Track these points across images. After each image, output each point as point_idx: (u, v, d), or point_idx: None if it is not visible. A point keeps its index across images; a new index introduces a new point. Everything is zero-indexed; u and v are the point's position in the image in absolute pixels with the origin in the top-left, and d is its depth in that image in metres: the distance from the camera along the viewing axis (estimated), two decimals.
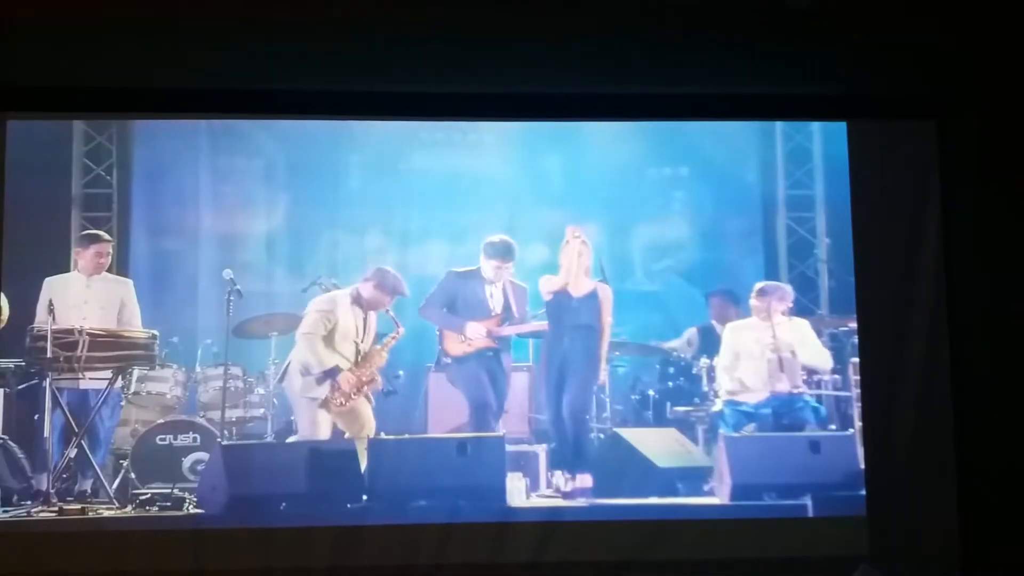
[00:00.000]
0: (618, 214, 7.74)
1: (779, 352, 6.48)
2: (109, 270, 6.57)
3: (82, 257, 6.41)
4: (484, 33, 5.17)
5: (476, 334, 6.37)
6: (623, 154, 7.40)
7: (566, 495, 6.03)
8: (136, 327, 6.31)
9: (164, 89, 5.22)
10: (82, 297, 6.27)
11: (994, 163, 5.24)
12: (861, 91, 5.37)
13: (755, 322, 6.62)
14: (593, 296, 6.36)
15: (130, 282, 6.53)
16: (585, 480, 6.09)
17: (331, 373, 6.18)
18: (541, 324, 6.47)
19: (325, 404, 6.17)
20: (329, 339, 6.22)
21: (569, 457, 6.23)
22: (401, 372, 6.58)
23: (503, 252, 6.42)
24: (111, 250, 6.51)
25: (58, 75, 5.12)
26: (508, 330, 6.42)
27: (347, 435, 6.20)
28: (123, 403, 6.45)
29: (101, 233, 6.65)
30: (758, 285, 6.74)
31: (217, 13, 5.08)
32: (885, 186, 5.40)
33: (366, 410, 6.27)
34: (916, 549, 5.08)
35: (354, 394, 6.21)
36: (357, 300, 6.32)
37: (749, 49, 5.29)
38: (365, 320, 6.34)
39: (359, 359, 6.27)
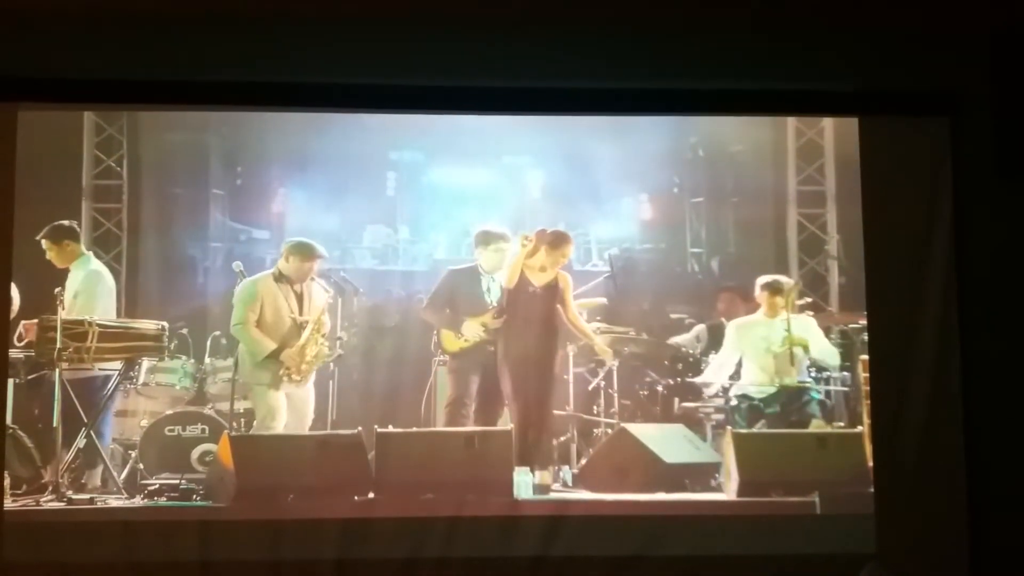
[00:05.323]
0: (630, 207, 7.73)
1: (792, 346, 6.45)
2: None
3: None
4: (497, 26, 5.16)
5: (471, 332, 6.35)
6: (633, 148, 7.38)
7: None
8: (77, 314, 6.06)
9: (174, 81, 5.21)
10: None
11: (1007, 160, 5.21)
12: (874, 87, 5.34)
13: (763, 318, 6.59)
14: (551, 287, 6.36)
15: (92, 271, 6.35)
16: (546, 477, 6.04)
17: (274, 355, 6.16)
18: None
19: (275, 386, 6.16)
20: (261, 323, 6.20)
21: (534, 451, 6.16)
22: (343, 335, 6.52)
23: (490, 238, 6.43)
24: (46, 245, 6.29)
25: (69, 66, 5.11)
26: (496, 323, 6.37)
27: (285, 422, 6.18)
28: (130, 394, 6.47)
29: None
30: (767, 279, 6.69)
31: (228, 5, 5.08)
32: (897, 183, 5.36)
33: (305, 396, 6.28)
34: (924, 547, 5.06)
35: (301, 369, 6.19)
36: (280, 278, 6.30)
37: (762, 44, 5.27)
38: (298, 294, 6.31)
39: (301, 333, 6.25)
